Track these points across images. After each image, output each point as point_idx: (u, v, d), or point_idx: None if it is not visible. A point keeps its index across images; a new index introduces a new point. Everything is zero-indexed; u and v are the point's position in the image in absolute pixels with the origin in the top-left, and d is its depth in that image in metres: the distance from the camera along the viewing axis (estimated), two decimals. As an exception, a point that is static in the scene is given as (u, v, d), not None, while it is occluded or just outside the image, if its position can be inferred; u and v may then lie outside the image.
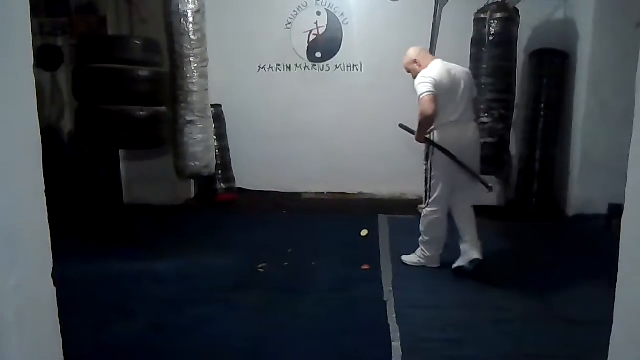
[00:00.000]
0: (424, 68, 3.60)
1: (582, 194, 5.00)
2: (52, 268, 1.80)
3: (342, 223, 4.92)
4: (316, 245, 4.31)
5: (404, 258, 3.83)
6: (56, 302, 1.84)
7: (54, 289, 1.82)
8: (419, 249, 3.80)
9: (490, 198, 5.34)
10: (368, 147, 5.75)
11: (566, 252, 4.12)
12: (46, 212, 1.78)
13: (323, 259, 3.94)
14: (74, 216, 4.81)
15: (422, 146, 3.68)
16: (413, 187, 4.85)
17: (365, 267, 3.79)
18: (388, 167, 5.47)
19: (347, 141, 5.79)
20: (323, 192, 6.02)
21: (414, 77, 3.63)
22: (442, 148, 3.50)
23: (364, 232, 4.50)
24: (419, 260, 3.78)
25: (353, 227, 4.63)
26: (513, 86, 4.59)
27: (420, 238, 3.77)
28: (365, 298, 3.27)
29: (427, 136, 3.54)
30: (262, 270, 3.74)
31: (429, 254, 3.74)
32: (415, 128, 3.59)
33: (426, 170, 3.63)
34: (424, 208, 3.72)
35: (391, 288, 3.38)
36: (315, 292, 3.37)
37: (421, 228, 3.74)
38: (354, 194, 5.97)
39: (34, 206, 1.74)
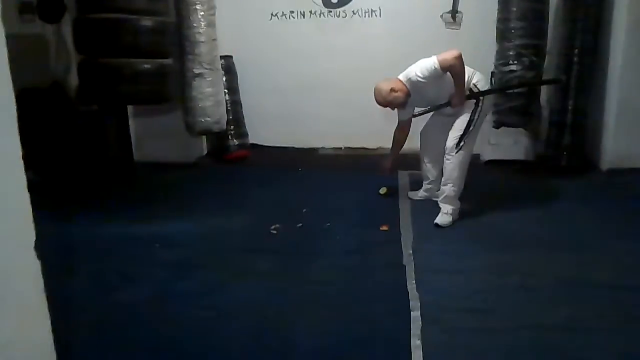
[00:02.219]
0: (402, 91, 3.59)
1: (617, 147, 4.71)
2: (35, 241, 1.66)
3: (360, 180, 4.73)
4: (332, 204, 4.14)
5: (440, 221, 3.62)
6: (41, 276, 1.71)
7: (38, 262, 1.68)
8: (448, 207, 3.65)
9: (518, 152, 5.15)
10: (388, 99, 5.46)
11: (600, 210, 3.88)
12: (25, 181, 1.63)
13: (339, 220, 3.77)
14: (82, 175, 4.71)
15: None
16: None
17: (384, 227, 3.61)
18: (409, 120, 5.21)
19: (365, 93, 5.35)
20: (340, 147, 5.82)
21: (398, 106, 3.72)
22: (492, 89, 3.69)
23: (383, 190, 4.30)
24: (453, 219, 3.65)
25: (371, 184, 4.43)
26: (545, 30, 4.26)
27: (451, 191, 3.62)
28: (383, 262, 3.11)
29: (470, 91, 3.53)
30: (275, 232, 3.59)
31: (459, 204, 3.67)
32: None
33: (471, 120, 3.53)
34: (456, 153, 3.54)
35: (411, 251, 3.21)
36: (330, 256, 3.21)
37: (455, 174, 3.59)
38: (373, 149, 5.73)
39: (9, 175, 1.58)
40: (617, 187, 4.39)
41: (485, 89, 3.58)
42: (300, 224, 3.71)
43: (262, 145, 5.81)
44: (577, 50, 4.70)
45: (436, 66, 3.39)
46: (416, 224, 3.67)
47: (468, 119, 3.54)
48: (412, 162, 4.41)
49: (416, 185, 4.31)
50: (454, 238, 3.45)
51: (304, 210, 3.97)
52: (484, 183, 4.30)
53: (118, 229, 3.67)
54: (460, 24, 5.29)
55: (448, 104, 3.58)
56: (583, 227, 3.57)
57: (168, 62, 4.15)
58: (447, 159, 3.61)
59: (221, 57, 4.84)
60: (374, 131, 5.59)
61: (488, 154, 5.12)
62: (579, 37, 4.68)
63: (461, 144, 3.54)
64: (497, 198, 4.11)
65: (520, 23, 4.12)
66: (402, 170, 4.82)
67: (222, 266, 3.10)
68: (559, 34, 4.79)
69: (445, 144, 3.64)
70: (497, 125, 4.48)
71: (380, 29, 5.44)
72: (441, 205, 3.70)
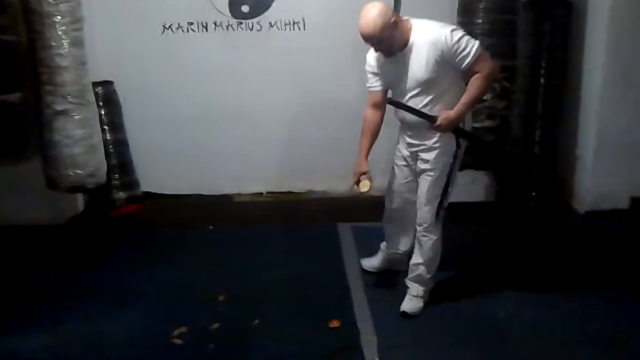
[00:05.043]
0: (403, 31, 2.66)
1: (596, 185, 4.25)
2: None
3: (291, 239, 3.95)
4: (258, 283, 3.33)
5: (408, 309, 2.96)
6: None
7: None
8: (418, 288, 3.00)
9: (478, 192, 4.61)
10: (318, 132, 4.81)
11: (597, 275, 3.36)
12: None
13: (270, 311, 2.99)
14: None
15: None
16: (378, 181, 3.90)
17: (334, 323, 2.87)
18: (344, 156, 4.43)
19: (289, 124, 4.83)
20: (261, 193, 5.01)
21: (384, 50, 2.74)
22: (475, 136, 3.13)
23: (365, 186, 3.04)
24: (423, 304, 3.01)
25: (305, 243, 3.77)
26: (517, 48, 3.68)
27: (422, 271, 2.99)
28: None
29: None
30: (178, 341, 2.73)
31: (432, 285, 3.06)
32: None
33: (450, 172, 2.88)
34: (435, 223, 2.93)
35: (379, 366, 2.44)
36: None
37: (431, 254, 2.97)
38: (302, 193, 5.01)
39: None
40: (597, 232, 3.96)
41: (465, 129, 2.89)
42: (216, 324, 2.87)
43: (158, 194, 4.86)
44: (543, 69, 4.22)
45: (474, 50, 2.57)
46: (376, 313, 2.97)
47: (445, 179, 2.87)
48: (354, 208, 3.67)
49: (365, 244, 3.62)
50: (430, 336, 2.79)
51: (220, 298, 3.12)
52: (445, 238, 3.63)
53: None
54: (402, 39, 4.65)
55: (432, 119, 2.71)
56: (590, 307, 3.00)
57: (14, 97, 3.22)
58: (424, 236, 2.96)
59: (96, 84, 3.97)
60: (303, 170, 4.97)
61: (444, 197, 4.51)
62: (546, 54, 4.20)
63: (440, 213, 2.93)
64: (468, 261, 3.52)
65: (488, 39, 3.50)
66: (342, 222, 4.12)
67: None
68: (522, 51, 4.24)
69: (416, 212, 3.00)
70: (461, 167, 3.86)
71: (304, 45, 4.72)
72: (409, 284, 3.04)
